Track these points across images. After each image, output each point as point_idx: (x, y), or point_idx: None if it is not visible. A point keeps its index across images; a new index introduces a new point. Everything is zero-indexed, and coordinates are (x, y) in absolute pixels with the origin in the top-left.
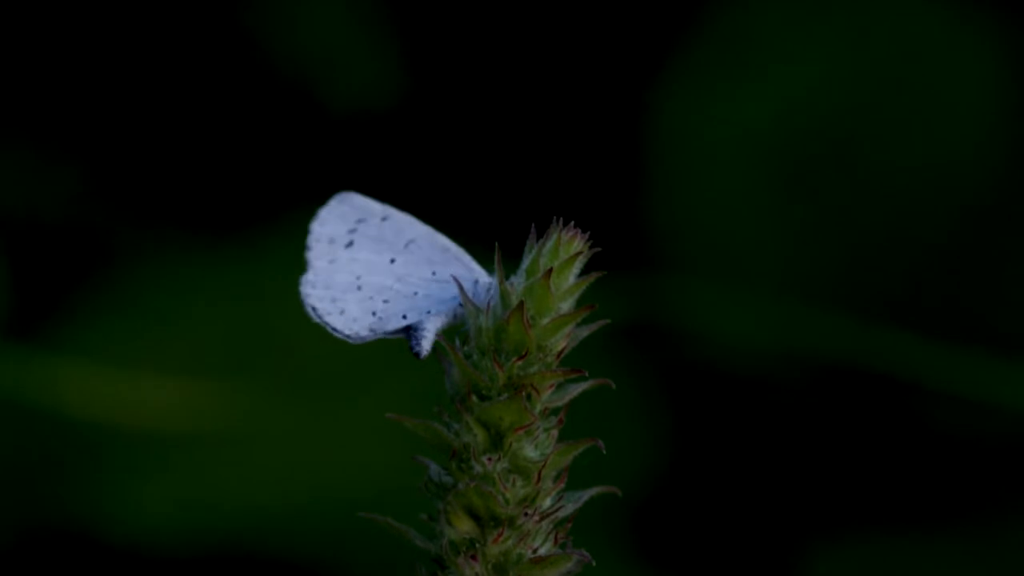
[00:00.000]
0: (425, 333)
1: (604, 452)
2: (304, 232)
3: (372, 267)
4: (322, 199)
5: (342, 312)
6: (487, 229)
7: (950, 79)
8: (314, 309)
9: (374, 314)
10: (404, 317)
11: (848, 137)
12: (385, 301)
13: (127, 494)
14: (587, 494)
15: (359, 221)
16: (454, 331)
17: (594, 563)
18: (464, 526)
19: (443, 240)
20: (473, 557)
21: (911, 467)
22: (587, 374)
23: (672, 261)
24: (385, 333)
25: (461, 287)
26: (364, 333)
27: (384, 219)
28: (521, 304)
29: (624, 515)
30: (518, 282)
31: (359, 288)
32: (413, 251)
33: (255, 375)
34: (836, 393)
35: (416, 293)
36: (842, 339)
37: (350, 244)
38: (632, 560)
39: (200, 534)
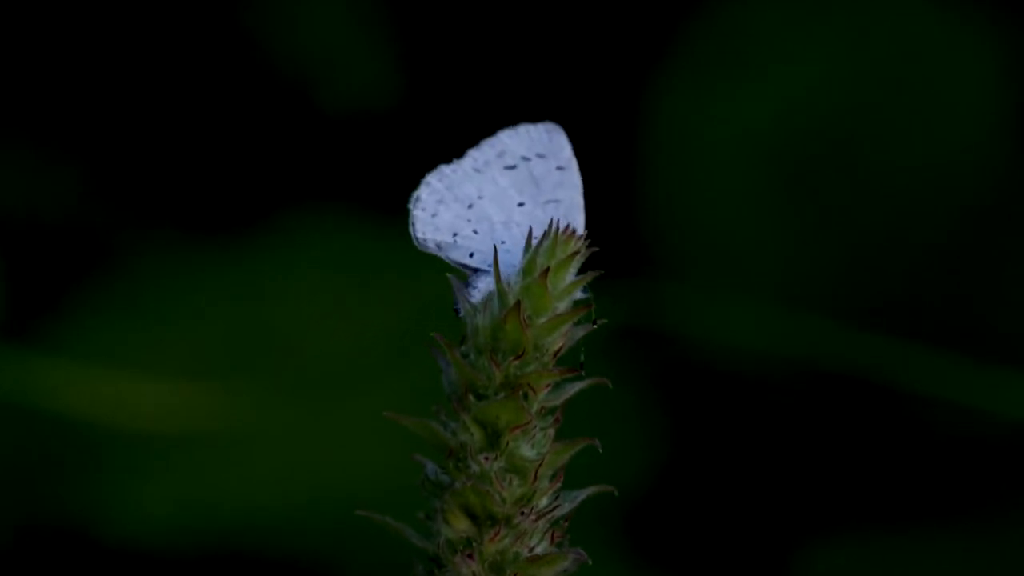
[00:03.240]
0: (474, 292)
1: (601, 451)
2: (304, 233)
3: (500, 198)
4: (321, 199)
5: (434, 215)
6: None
7: (950, 79)
8: (417, 199)
9: (455, 235)
10: (471, 256)
11: (848, 137)
12: (475, 232)
13: (127, 494)
14: (584, 493)
15: (539, 156)
16: (453, 331)
17: (590, 562)
18: (461, 525)
19: (579, 216)
20: (470, 556)
21: (908, 467)
22: (584, 373)
23: (670, 262)
24: (446, 257)
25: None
26: (430, 245)
27: (559, 168)
28: (518, 303)
29: (620, 515)
30: (515, 281)
31: (470, 206)
32: (547, 210)
33: (254, 375)
34: (833, 394)
35: (504, 243)
36: (840, 342)
37: (511, 167)
38: (628, 560)
39: (200, 534)
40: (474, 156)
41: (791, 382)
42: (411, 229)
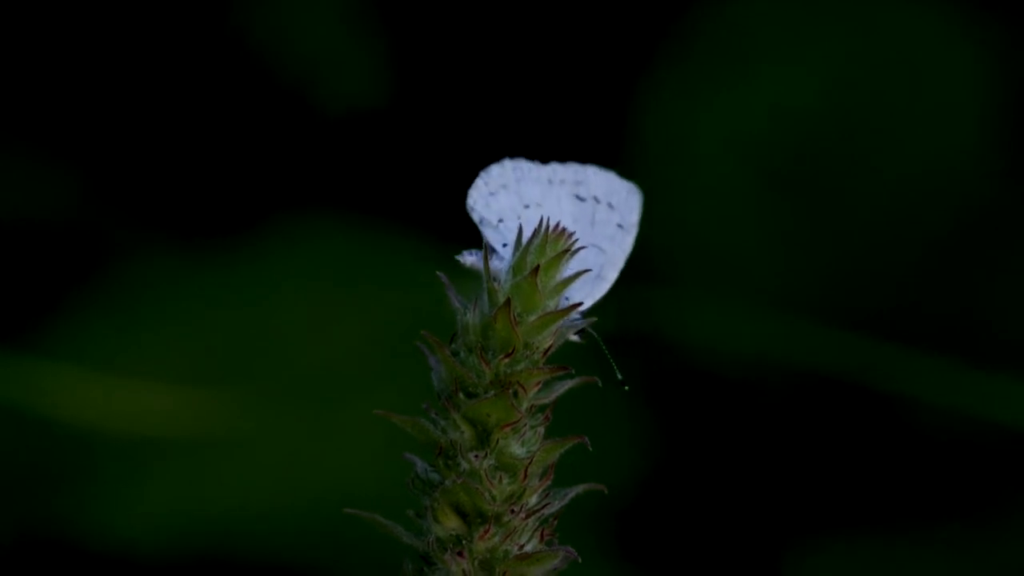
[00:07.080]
0: (481, 257)
1: (591, 449)
2: (300, 236)
3: (555, 217)
4: (317, 202)
5: (492, 194)
6: (477, 230)
7: (945, 82)
8: (488, 171)
9: (500, 221)
10: (503, 245)
11: (841, 139)
12: (519, 218)
13: (122, 499)
14: (573, 491)
15: (610, 205)
16: (443, 329)
17: (580, 560)
18: (451, 523)
19: (613, 273)
20: (460, 554)
21: (898, 470)
22: (573, 371)
23: (660, 266)
24: (483, 232)
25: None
26: (475, 216)
27: (619, 226)
28: (508, 301)
29: (610, 517)
30: (505, 279)
31: (526, 207)
32: (590, 252)
33: (251, 379)
34: (824, 398)
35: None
36: (831, 345)
37: (581, 199)
38: (618, 562)
39: (193, 539)
40: (555, 168)
41: (782, 386)
42: (467, 200)
